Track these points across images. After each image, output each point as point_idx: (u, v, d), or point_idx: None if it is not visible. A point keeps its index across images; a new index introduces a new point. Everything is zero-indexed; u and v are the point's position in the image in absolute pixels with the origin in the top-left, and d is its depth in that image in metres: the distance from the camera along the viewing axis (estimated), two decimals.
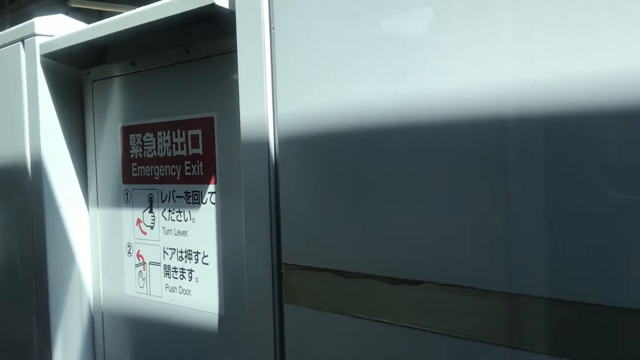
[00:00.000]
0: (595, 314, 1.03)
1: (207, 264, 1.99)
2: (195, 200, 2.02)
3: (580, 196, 1.04)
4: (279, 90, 1.52)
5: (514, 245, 1.12)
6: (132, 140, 2.24)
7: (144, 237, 2.21)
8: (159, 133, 2.13)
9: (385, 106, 1.30)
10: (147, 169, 2.18)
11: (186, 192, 2.05)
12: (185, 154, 2.05)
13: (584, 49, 1.03)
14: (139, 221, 2.23)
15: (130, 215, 2.26)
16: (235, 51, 1.66)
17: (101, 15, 8.77)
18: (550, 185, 1.07)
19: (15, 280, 2.53)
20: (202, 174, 1.99)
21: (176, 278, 2.10)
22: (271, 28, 1.54)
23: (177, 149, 2.07)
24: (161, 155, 2.13)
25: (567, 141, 1.05)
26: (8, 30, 2.53)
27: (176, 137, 2.07)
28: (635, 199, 0.99)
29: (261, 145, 1.57)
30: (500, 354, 1.15)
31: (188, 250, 2.05)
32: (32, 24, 2.37)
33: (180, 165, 2.06)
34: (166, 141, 2.11)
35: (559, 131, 1.06)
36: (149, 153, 2.17)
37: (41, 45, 2.34)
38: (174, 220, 2.10)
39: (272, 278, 1.56)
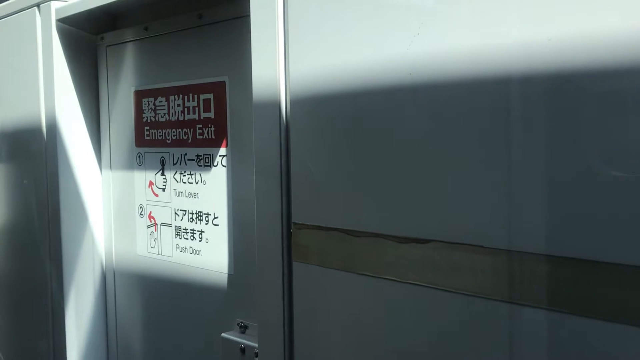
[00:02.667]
0: (600, 271, 1.04)
1: (217, 225, 2.02)
2: (206, 163, 2.04)
3: (586, 155, 1.05)
4: (291, 51, 1.53)
5: (520, 204, 1.13)
6: (145, 104, 2.26)
7: (156, 199, 2.24)
8: (171, 97, 2.15)
9: (397, 67, 1.30)
10: (160, 132, 2.20)
11: (197, 155, 2.07)
12: (197, 118, 2.06)
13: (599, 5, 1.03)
14: (150, 183, 2.25)
15: (142, 177, 2.29)
16: (247, 16, 1.66)
17: None
18: (557, 143, 1.08)
19: (32, 240, 2.57)
20: (213, 137, 2.01)
21: (187, 239, 2.13)
22: None
23: (189, 113, 2.09)
24: (173, 119, 2.15)
25: (576, 100, 1.06)
26: None
27: (188, 101, 2.09)
28: None
29: (272, 107, 1.58)
30: (506, 310, 1.16)
31: (199, 211, 2.08)
32: None
33: (192, 129, 2.08)
34: (178, 105, 2.13)
35: (568, 90, 1.06)
36: (162, 117, 2.19)
37: (57, 10, 2.35)
38: (185, 183, 2.12)
39: (281, 237, 1.58)
